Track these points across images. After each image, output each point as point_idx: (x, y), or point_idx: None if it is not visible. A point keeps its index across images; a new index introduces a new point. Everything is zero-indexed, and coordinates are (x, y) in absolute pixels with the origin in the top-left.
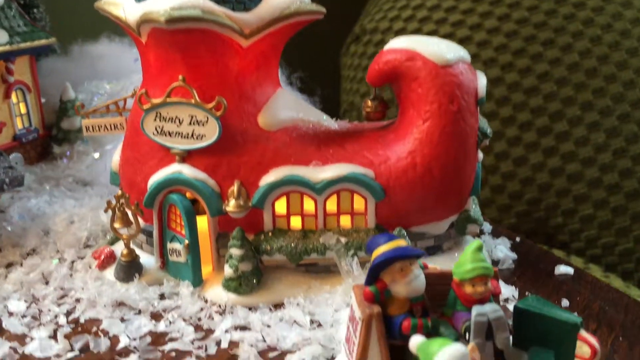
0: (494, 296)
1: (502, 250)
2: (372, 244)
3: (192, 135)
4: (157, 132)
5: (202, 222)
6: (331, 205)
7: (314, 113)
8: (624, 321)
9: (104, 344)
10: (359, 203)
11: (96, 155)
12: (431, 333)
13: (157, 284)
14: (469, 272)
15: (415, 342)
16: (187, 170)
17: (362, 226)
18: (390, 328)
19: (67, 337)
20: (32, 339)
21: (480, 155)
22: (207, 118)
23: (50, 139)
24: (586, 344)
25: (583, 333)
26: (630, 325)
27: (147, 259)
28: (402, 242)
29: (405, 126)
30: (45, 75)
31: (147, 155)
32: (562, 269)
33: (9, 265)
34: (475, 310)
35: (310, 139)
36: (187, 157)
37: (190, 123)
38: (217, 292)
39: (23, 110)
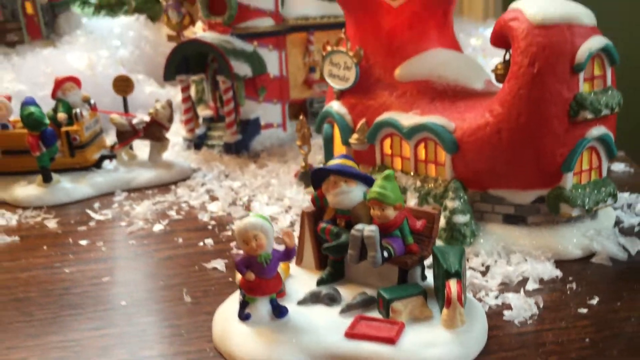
0: (413, 230)
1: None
2: (334, 159)
3: (343, 78)
4: (328, 74)
5: None
6: (422, 153)
7: (471, 74)
8: None
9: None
10: (440, 155)
11: None
12: (336, 237)
13: None
14: (368, 194)
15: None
16: (335, 106)
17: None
18: None
19: (231, 204)
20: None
21: (599, 130)
22: (352, 64)
23: None
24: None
25: (451, 282)
26: None
27: None
28: (349, 163)
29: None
30: None
31: (330, 94)
32: None
33: (262, 166)
34: (356, 226)
35: (431, 93)
36: (341, 96)
37: (343, 68)
38: None
39: None
